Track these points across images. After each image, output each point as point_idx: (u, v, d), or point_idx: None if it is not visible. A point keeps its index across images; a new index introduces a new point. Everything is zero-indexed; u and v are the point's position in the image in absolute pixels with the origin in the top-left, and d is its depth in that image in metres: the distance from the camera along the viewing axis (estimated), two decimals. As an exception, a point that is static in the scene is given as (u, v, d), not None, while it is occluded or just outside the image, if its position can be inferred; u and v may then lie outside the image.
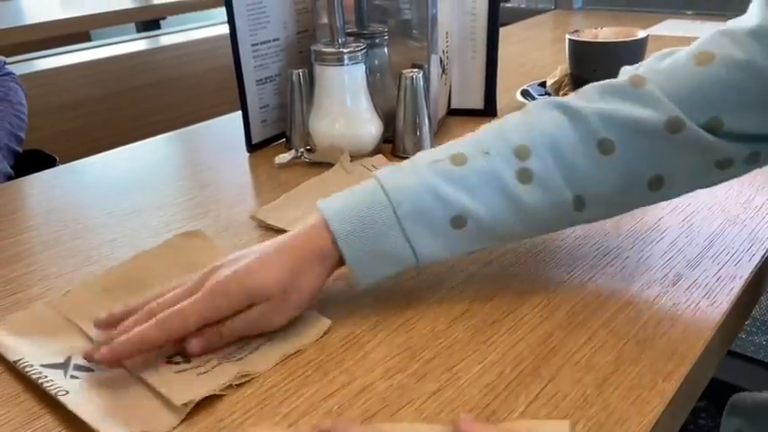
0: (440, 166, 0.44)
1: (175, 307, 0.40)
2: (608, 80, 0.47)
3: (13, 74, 1.05)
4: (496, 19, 0.81)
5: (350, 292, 0.48)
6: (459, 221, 0.43)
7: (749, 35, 0.43)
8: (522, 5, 1.65)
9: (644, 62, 0.49)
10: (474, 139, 0.46)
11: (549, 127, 0.45)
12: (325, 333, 0.44)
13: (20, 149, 0.98)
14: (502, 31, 0.83)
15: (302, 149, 0.73)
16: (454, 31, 0.82)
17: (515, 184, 0.43)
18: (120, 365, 0.40)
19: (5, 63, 1.04)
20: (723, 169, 0.46)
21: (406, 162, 0.46)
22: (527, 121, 0.46)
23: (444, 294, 0.48)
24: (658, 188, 0.45)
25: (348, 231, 0.43)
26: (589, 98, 0.46)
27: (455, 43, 0.83)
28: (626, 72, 0.48)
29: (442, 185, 0.43)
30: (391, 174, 0.44)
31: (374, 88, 0.73)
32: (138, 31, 2.10)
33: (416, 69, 0.72)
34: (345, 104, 0.71)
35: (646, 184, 0.45)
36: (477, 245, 0.46)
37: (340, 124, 0.71)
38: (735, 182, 0.62)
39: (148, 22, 2.08)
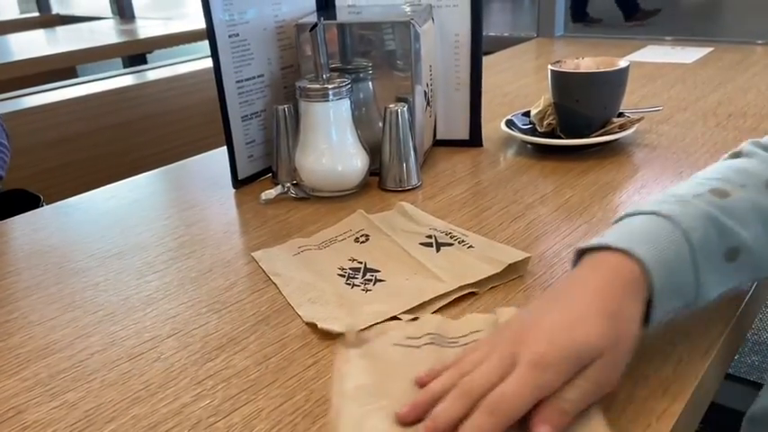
0: (706, 198, 0.42)
1: (499, 389, 0.34)
2: None
3: None
4: (480, 50, 0.82)
5: (336, 334, 0.48)
6: (732, 254, 0.41)
7: None
8: (505, 34, 1.68)
9: None
10: (719, 177, 0.45)
11: None
12: (311, 378, 0.43)
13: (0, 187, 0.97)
14: (484, 60, 0.84)
15: (288, 185, 0.73)
16: (438, 63, 0.83)
17: None
18: None
19: None
20: None
21: (663, 196, 0.44)
22: (762, 160, 0.47)
23: (434, 333, 0.47)
24: None
25: (653, 258, 0.38)
26: None
27: (439, 75, 0.84)
28: None
29: (721, 216, 0.41)
30: (664, 205, 0.42)
31: (360, 122, 0.73)
32: (125, 65, 2.11)
33: (401, 102, 0.73)
34: (331, 139, 0.71)
35: None
36: (741, 279, 0.44)
37: (326, 159, 0.71)
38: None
39: (135, 57, 2.10)
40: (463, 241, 0.59)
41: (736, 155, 0.50)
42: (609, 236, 0.41)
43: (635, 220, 0.42)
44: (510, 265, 0.53)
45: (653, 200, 0.44)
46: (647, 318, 0.39)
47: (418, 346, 0.43)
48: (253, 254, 0.60)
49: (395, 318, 0.49)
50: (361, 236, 0.62)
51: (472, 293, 0.51)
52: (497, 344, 0.37)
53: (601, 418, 0.36)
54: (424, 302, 0.50)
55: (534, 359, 0.35)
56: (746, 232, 0.42)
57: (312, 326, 0.49)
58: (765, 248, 0.43)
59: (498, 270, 0.53)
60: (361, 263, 0.57)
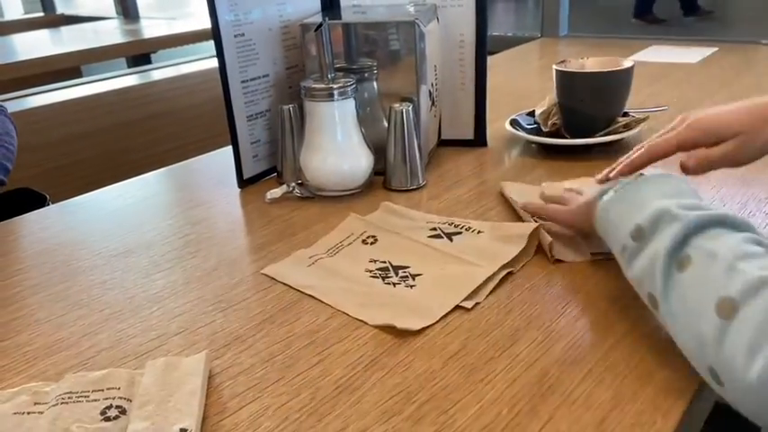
0: None
1: (658, 138, 0.55)
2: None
3: (2, 106, 1.04)
4: (484, 50, 0.82)
5: (341, 332, 0.48)
6: None
7: None
8: (509, 34, 1.68)
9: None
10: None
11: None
12: (317, 377, 0.44)
13: (5, 179, 0.97)
14: (489, 60, 0.84)
15: (293, 184, 0.73)
16: (443, 63, 0.83)
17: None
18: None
19: None
20: None
21: None
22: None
23: (439, 331, 0.47)
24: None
25: None
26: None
27: (444, 74, 0.84)
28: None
29: None
30: None
31: (364, 121, 0.73)
32: (129, 65, 2.12)
33: (406, 102, 0.73)
34: (336, 139, 0.71)
35: None
36: None
37: (331, 159, 0.71)
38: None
39: (139, 57, 2.10)
40: (470, 227, 0.61)
41: None
42: None
43: None
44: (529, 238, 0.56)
45: None
46: None
47: (41, 412, 0.40)
48: (263, 271, 0.57)
49: (459, 306, 0.50)
50: (368, 237, 0.62)
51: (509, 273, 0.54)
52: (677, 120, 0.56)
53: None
54: (478, 287, 0.51)
55: (690, 123, 0.54)
56: None
57: (347, 325, 0.49)
58: None
59: (524, 245, 0.55)
60: (385, 262, 0.57)
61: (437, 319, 0.48)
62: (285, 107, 0.74)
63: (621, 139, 0.80)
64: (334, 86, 0.69)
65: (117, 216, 0.73)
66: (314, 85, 0.69)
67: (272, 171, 0.80)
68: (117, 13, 2.54)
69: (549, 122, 0.84)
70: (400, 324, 0.47)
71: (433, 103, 0.81)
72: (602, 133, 0.80)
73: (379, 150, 0.74)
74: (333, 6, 0.83)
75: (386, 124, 0.73)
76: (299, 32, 0.76)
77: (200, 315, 0.52)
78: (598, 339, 0.45)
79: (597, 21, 4.56)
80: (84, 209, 0.77)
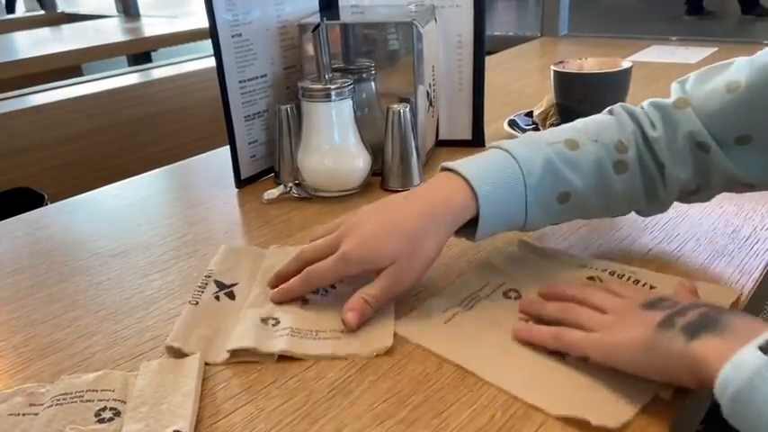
0: (557, 147, 0.51)
1: (315, 265, 0.50)
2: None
3: None
4: (482, 50, 0.82)
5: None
6: (563, 197, 0.51)
7: None
8: (510, 33, 1.67)
9: (692, 80, 0.54)
10: (582, 130, 0.53)
11: (634, 129, 0.53)
12: (311, 379, 0.44)
13: None
14: (488, 59, 0.84)
15: (291, 184, 0.73)
16: (441, 63, 0.83)
17: (612, 173, 0.52)
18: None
19: None
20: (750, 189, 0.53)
21: (523, 138, 0.53)
22: (620, 123, 0.54)
23: (434, 334, 0.47)
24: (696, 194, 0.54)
25: (487, 192, 0.49)
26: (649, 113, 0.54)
27: (442, 75, 0.84)
28: (676, 90, 0.54)
29: (562, 166, 0.50)
30: (518, 147, 0.51)
31: (362, 122, 0.73)
32: (130, 63, 2.12)
33: (404, 103, 0.73)
34: (333, 139, 0.71)
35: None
36: (569, 217, 0.54)
37: (329, 159, 0.71)
38: (721, 212, 0.62)
39: (139, 55, 2.10)
40: (638, 280, 0.51)
41: (609, 112, 0.55)
42: (468, 164, 0.50)
43: (493, 155, 0.51)
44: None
45: (520, 139, 0.53)
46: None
47: (36, 413, 0.40)
48: (399, 332, 0.47)
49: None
50: (509, 291, 0.52)
51: None
52: (335, 232, 0.51)
53: (391, 324, 0.48)
54: None
55: (341, 255, 0.49)
56: (580, 181, 0.51)
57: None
58: (594, 198, 0.52)
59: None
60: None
61: (638, 408, 0.38)
62: (283, 107, 0.74)
63: (620, 140, 0.80)
64: (332, 87, 0.69)
65: (114, 216, 0.73)
66: (311, 86, 0.69)
67: (269, 171, 0.80)
68: (118, 11, 2.53)
69: (548, 123, 0.84)
70: (595, 420, 0.37)
71: (430, 104, 0.81)
72: (600, 134, 0.80)
73: (376, 151, 0.74)
74: (331, 6, 0.83)
75: (383, 125, 0.73)
76: (296, 33, 0.76)
77: (196, 316, 0.52)
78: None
79: (598, 20, 4.55)
80: (82, 208, 0.77)
